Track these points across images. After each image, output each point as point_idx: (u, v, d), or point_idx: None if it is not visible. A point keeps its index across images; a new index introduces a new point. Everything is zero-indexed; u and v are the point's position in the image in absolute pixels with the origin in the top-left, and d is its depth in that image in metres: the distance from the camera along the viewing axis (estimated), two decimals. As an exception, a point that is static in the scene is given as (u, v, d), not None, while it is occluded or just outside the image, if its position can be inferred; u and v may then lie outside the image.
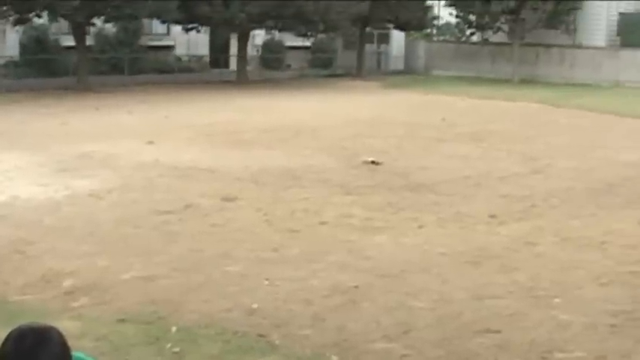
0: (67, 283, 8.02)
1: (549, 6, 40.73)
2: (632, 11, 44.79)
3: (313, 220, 10.64)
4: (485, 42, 47.49)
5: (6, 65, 35.05)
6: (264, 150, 16.79)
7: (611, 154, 17.27)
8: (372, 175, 14.05)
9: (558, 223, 10.79)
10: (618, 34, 44.41)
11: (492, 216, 11.02)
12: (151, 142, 17.22)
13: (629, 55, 42.30)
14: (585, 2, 43.30)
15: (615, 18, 44.66)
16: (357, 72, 45.16)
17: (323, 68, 48.61)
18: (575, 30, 44.40)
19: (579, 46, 44.35)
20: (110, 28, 39.15)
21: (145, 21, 39.90)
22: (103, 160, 15.01)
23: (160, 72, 40.59)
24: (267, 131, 19.91)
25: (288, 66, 49.24)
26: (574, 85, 40.36)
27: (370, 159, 15.14)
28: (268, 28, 40.96)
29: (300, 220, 10.64)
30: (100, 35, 39.12)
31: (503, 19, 43.16)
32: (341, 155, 16.14)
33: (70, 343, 2.74)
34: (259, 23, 36.67)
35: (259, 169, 14.23)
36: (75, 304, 7.43)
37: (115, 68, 39.10)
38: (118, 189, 12.42)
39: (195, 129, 20.04)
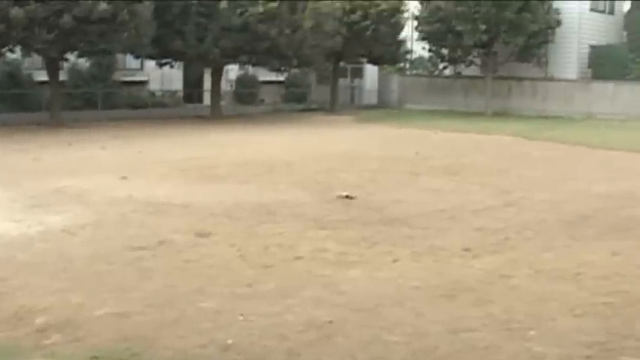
0: (40, 320, 7.95)
1: (521, 40, 41.07)
2: (602, 44, 45.31)
3: (288, 255, 10.61)
4: (458, 75, 47.92)
5: (-21, 100, 35.00)
6: (238, 185, 16.78)
7: (584, 186, 17.39)
8: (346, 209, 14.06)
9: (532, 256, 10.82)
10: (589, 67, 44.91)
11: (466, 249, 11.04)
12: (124, 178, 17.16)
13: (600, 87, 42.75)
14: (557, 35, 43.73)
15: (586, 51, 45.20)
16: (331, 106, 45.32)
17: (297, 103, 48.80)
18: (546, 63, 44.86)
19: (551, 79, 44.80)
20: (84, 63, 39.14)
21: (119, 56, 39.90)
22: (76, 195, 14.94)
23: (134, 107, 40.62)
24: (241, 166, 19.91)
25: (262, 100, 49.39)
26: (546, 117, 40.73)
27: (344, 193, 15.15)
28: (242, 63, 41.06)
29: (274, 255, 10.61)
30: (73, 70, 39.12)
31: (475, 53, 43.52)
32: (315, 190, 16.14)
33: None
34: (233, 58, 36.75)
35: (233, 204, 14.21)
36: (47, 342, 7.35)
37: (89, 103, 39.07)
38: (92, 225, 12.35)
39: (169, 164, 20.00)
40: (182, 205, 14.07)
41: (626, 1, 49.17)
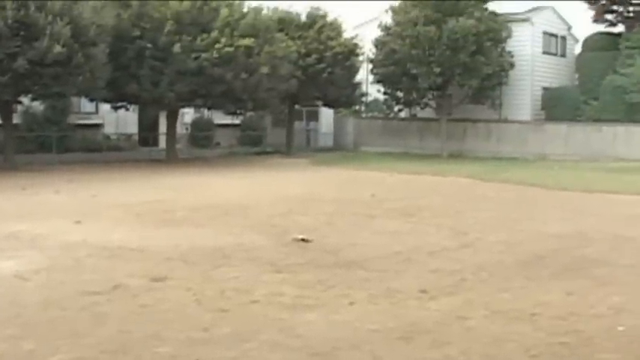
0: (-9, 367, 7.83)
1: (475, 82, 41.53)
2: (555, 86, 45.93)
3: (244, 299, 10.54)
4: (413, 118, 48.32)
5: None
6: (194, 229, 16.69)
7: (539, 227, 17.51)
8: (302, 252, 14.02)
9: (488, 297, 10.84)
10: (543, 109, 45.58)
11: (423, 291, 11.04)
12: (78, 222, 17.02)
13: (553, 128, 43.34)
14: (510, 78, 44.27)
15: (539, 93, 45.89)
16: (287, 149, 45.45)
17: (252, 146, 48.90)
18: (500, 105, 45.39)
19: (505, 121, 45.34)
20: (38, 106, 38.95)
21: (74, 99, 39.85)
22: (30, 240, 14.77)
23: (89, 150, 40.45)
24: (197, 209, 19.82)
25: (218, 144, 49.42)
26: (501, 158, 41.11)
27: (300, 236, 15.12)
28: (197, 107, 41.10)
29: (230, 299, 10.54)
30: (27, 113, 38.96)
31: (430, 95, 43.93)
32: (271, 233, 16.10)
33: None
34: (188, 102, 36.77)
35: (189, 248, 14.12)
36: (-1, 390, 7.24)
37: (43, 147, 38.84)
38: (45, 270, 12.21)
39: (124, 208, 19.86)
40: (137, 250, 13.95)
41: (577, 44, 49.98)
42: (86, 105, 43.33)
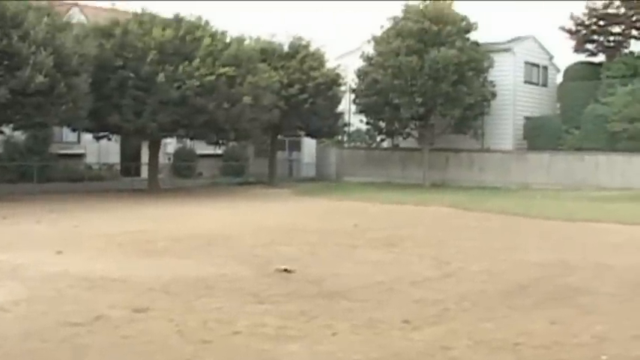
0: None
1: (457, 112, 41.71)
2: (537, 115, 46.18)
3: (226, 330, 10.48)
4: (395, 148, 48.46)
5: None
6: (176, 259, 16.62)
7: (522, 256, 17.52)
8: (285, 283, 13.97)
9: (472, 326, 10.81)
10: (525, 138, 45.78)
11: (406, 321, 11.00)
12: (60, 252, 16.91)
13: (535, 157, 43.53)
14: (492, 107, 44.48)
15: (521, 122, 46.10)
16: (269, 179, 45.47)
17: (235, 176, 48.91)
18: (483, 134, 45.56)
19: (488, 150, 45.51)
20: (19, 135, 38.86)
21: (56, 129, 39.76)
22: (10, 271, 14.66)
23: (71, 180, 40.38)
24: (179, 240, 19.75)
25: (200, 174, 49.41)
26: (484, 188, 41.22)
27: (283, 267, 15.07)
28: (180, 137, 41.07)
29: (212, 330, 10.47)
30: (8, 143, 38.87)
31: (412, 125, 44.08)
32: (253, 263, 16.04)
33: None
34: (171, 132, 36.74)
35: (171, 279, 14.05)
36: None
37: (24, 176, 38.74)
38: (26, 301, 12.11)
39: (106, 238, 19.77)
40: (119, 280, 13.87)
41: (559, 73, 50.32)
42: (68, 135, 43.28)
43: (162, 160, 44.44)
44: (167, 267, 15.43)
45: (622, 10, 47.37)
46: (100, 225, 22.98)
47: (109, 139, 39.88)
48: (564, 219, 25.90)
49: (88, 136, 40.97)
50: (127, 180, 42.86)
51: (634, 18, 47.41)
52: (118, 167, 46.48)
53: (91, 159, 44.92)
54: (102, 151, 44.80)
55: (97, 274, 14.38)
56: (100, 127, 36.64)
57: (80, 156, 44.49)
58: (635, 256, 17.87)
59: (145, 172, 42.26)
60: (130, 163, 46.36)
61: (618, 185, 39.26)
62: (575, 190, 38.79)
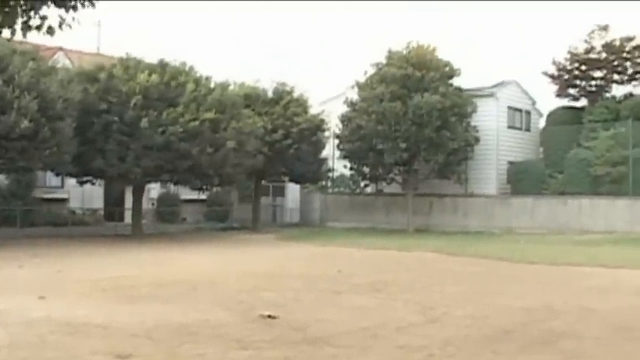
0: None
1: (441, 157, 41.84)
2: (520, 160, 46.39)
3: (210, 376, 10.42)
4: (379, 193, 48.54)
5: None
6: (159, 305, 16.53)
7: (506, 301, 17.50)
8: (269, 329, 13.91)
9: (456, 373, 10.78)
10: (508, 182, 45.93)
11: (390, 367, 10.97)
12: (42, 298, 16.80)
13: (519, 202, 43.64)
14: (476, 152, 44.65)
15: (505, 167, 46.28)
16: (253, 225, 45.42)
17: (219, 221, 48.86)
18: (466, 179, 45.69)
19: (471, 195, 45.61)
20: (3, 180, 38.78)
21: (39, 173, 39.70)
22: (-8, 317, 14.56)
23: (54, 225, 40.24)
24: (162, 285, 19.66)
25: (184, 219, 49.33)
26: (468, 233, 41.25)
27: (267, 313, 15.01)
28: (163, 182, 41.04)
29: (196, 377, 10.41)
30: (-9, 187, 38.75)
31: (396, 171, 44.16)
32: (237, 309, 15.97)
33: None
34: (154, 177, 36.71)
35: (155, 325, 13.96)
36: None
37: (7, 221, 38.59)
38: (7, 347, 12.00)
39: (89, 283, 19.66)
40: (102, 326, 13.78)
41: (542, 118, 50.65)
42: (52, 179, 43.22)
43: (146, 205, 44.38)
44: (150, 313, 15.34)
45: (603, 55, 47.82)
46: (84, 270, 22.88)
47: (93, 184, 39.83)
48: (548, 263, 25.93)
49: (71, 181, 40.93)
50: (111, 225, 42.73)
51: (615, 63, 47.87)
52: (102, 212, 46.37)
53: (74, 204, 44.82)
54: (85, 195, 44.71)
55: (80, 320, 14.28)
56: (83, 172, 36.60)
57: (64, 200, 44.39)
58: (619, 299, 17.89)
59: (128, 217, 42.16)
60: (113, 208, 46.26)
61: (601, 229, 39.38)
62: (558, 234, 38.88)
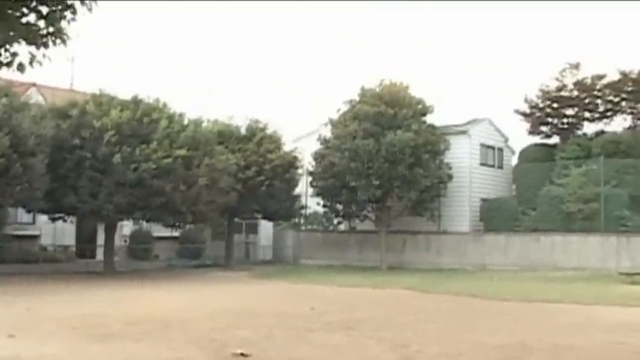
0: None
1: (414, 194, 41.89)
2: (493, 197, 46.56)
3: (181, 416, 10.31)
4: (352, 230, 48.52)
5: None
6: (131, 343, 16.37)
7: (480, 337, 17.45)
8: (241, 366, 13.80)
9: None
10: (481, 220, 46.03)
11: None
12: (12, 336, 16.60)
13: (492, 239, 43.75)
14: (449, 189, 44.77)
15: (478, 204, 46.37)
16: (226, 262, 45.30)
17: (191, 258, 48.65)
18: (439, 216, 45.74)
19: (444, 232, 45.70)
20: (-27, 216, 38.52)
21: (10, 209, 39.39)
22: (-39, 356, 14.37)
23: (25, 262, 39.95)
24: (134, 323, 19.48)
25: (157, 256, 49.10)
26: (441, 270, 41.30)
27: (239, 351, 14.89)
28: (136, 219, 40.85)
29: (167, 416, 10.29)
30: (-38, 224, 38.44)
31: (369, 208, 44.15)
32: (210, 347, 15.84)
33: None
34: (127, 214, 36.53)
35: (125, 363, 13.82)
36: None
37: (-23, 257, 38.25)
38: (-25, 387, 11.85)
39: (60, 321, 19.47)
40: (72, 365, 13.63)
41: (514, 155, 50.95)
42: (23, 215, 42.90)
43: (119, 242, 44.12)
44: (121, 351, 15.19)
45: (575, 93, 48.32)
46: (54, 308, 22.66)
47: (65, 221, 39.57)
48: (522, 300, 25.96)
49: (43, 217, 40.67)
50: (83, 262, 42.44)
51: (586, 100, 48.38)
52: (74, 249, 46.07)
53: (46, 240, 44.50)
54: (57, 232, 44.42)
55: (49, 359, 14.11)
56: (55, 208, 36.38)
57: (35, 237, 44.08)
58: (593, 336, 17.89)
59: (100, 254, 41.89)
60: (85, 245, 45.99)
61: (574, 265, 39.50)
62: (531, 271, 38.95)
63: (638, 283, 31.39)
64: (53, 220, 39.00)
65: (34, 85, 44.22)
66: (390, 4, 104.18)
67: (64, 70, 53.73)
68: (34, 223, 44.31)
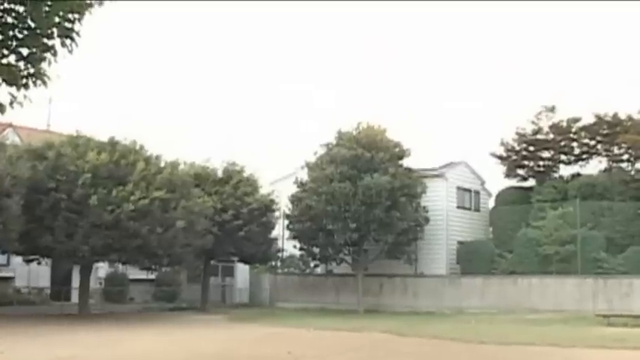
0: None
1: (391, 237, 41.89)
2: (470, 240, 46.66)
3: None
4: (329, 273, 48.45)
5: None
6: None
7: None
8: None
9: None
10: (458, 262, 46.14)
11: None
12: (-16, 380, 16.43)
13: (469, 282, 43.81)
14: (425, 232, 44.83)
15: (455, 247, 46.48)
16: (202, 305, 45.08)
17: (167, 301, 48.40)
18: (416, 259, 45.80)
19: (421, 275, 45.74)
20: (-53, 259, 38.22)
21: (-16, 251, 39.12)
22: None
23: (-2, 304, 39.55)
24: (109, 366, 19.32)
25: (132, 299, 48.82)
26: (418, 313, 41.22)
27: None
28: (112, 261, 40.63)
29: None
30: None
31: (346, 251, 44.08)
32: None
33: None
34: (103, 256, 36.31)
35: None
36: None
37: (-50, 300, 37.89)
38: None
39: (34, 365, 19.28)
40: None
41: (491, 198, 51.15)
42: (-3, 257, 42.64)
43: (94, 284, 43.80)
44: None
45: (550, 136, 48.65)
46: (28, 350, 22.45)
47: (39, 263, 39.29)
48: (498, 343, 25.85)
49: (17, 259, 40.38)
50: (57, 304, 42.10)
51: (562, 143, 48.72)
52: (48, 291, 45.70)
53: (20, 282, 44.15)
54: (32, 274, 44.09)
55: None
56: (30, 250, 36.10)
57: (9, 279, 43.74)
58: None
59: (75, 296, 41.56)
60: (60, 287, 45.63)
61: (551, 307, 39.48)
62: (509, 314, 38.89)
63: (614, 325, 31.40)
64: (28, 261, 38.73)
65: (10, 125, 44.09)
66: (369, 47, 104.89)
67: (41, 111, 53.53)
68: (8, 264, 43.97)
